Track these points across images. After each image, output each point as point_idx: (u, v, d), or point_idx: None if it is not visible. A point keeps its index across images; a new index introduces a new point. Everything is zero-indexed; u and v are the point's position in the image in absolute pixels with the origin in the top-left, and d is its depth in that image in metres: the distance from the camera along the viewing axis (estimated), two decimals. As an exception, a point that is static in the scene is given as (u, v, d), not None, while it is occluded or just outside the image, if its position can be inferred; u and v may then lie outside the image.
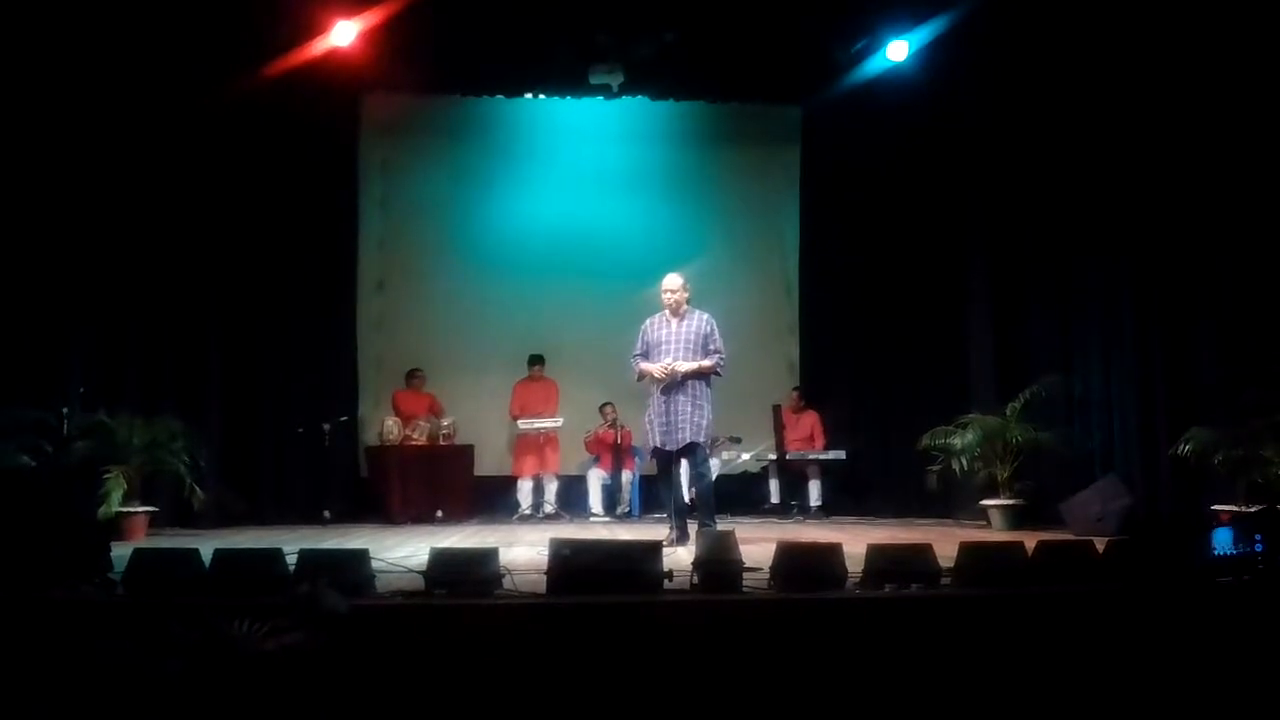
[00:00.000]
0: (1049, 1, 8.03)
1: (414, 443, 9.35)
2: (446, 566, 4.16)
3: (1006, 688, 3.81)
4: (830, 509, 9.64)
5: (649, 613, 3.93)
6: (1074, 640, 3.93)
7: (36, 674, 3.49)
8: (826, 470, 9.76)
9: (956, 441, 8.41)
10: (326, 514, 8.83)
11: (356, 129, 10.24)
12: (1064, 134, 8.51)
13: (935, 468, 8.64)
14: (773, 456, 9.79)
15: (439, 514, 9.10)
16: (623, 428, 9.77)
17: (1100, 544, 4.57)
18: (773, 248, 10.88)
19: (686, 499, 6.63)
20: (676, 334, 6.52)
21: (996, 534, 7.79)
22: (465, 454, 9.59)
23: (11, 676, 3.51)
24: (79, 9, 7.63)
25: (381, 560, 4.68)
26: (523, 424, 9.73)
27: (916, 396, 9.79)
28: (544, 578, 4.17)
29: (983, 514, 8.37)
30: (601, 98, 9.65)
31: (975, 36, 8.58)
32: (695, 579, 4.21)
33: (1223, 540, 4.45)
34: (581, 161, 10.48)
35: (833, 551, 4.35)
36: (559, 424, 9.76)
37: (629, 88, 9.41)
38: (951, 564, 4.39)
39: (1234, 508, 6.54)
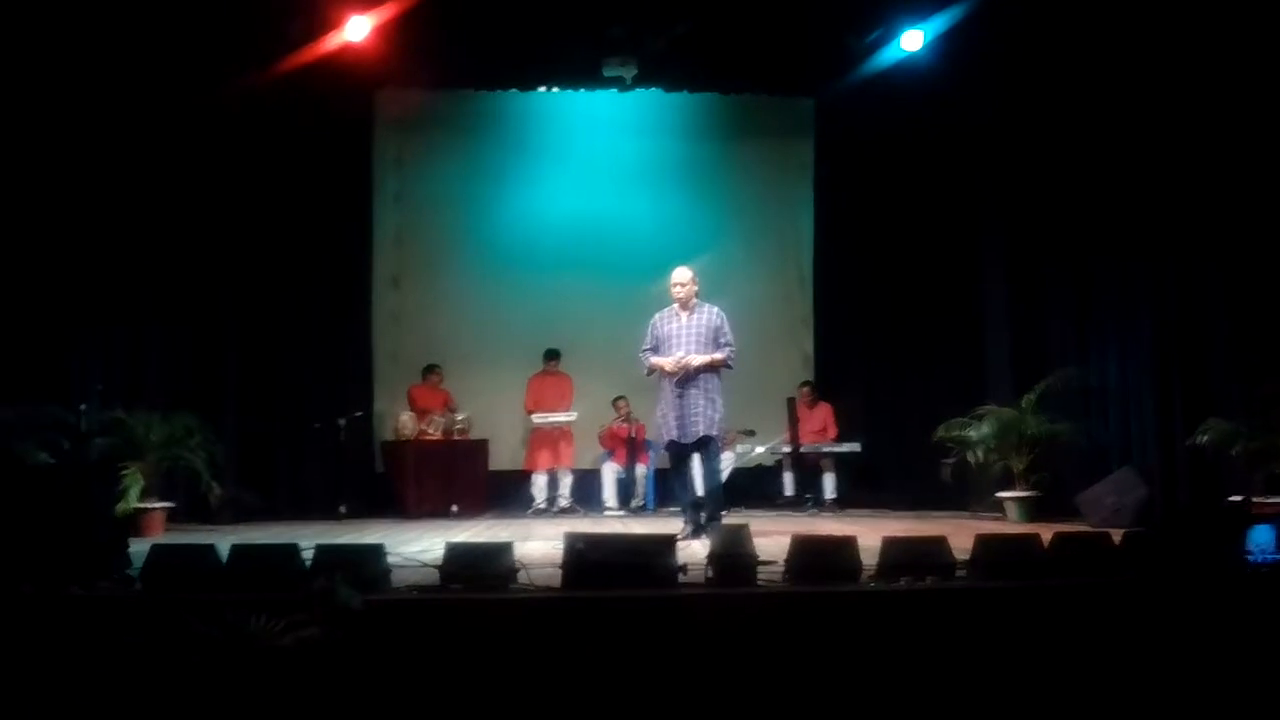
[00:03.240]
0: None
1: (429, 438, 9.37)
2: (461, 561, 4.18)
3: (1023, 680, 3.80)
4: (845, 502, 9.62)
5: (664, 607, 3.93)
6: (1091, 633, 3.91)
7: (55, 671, 3.52)
8: (841, 463, 9.74)
9: (972, 433, 8.39)
10: (342, 509, 8.85)
11: (371, 124, 10.25)
12: (1081, 125, 8.45)
13: (950, 460, 8.62)
14: (787, 449, 9.77)
15: (454, 509, 9.11)
16: (637, 421, 9.76)
17: (1117, 536, 4.55)
18: (787, 240, 10.86)
19: (700, 493, 6.64)
20: (686, 328, 6.52)
21: (1012, 526, 7.76)
22: (480, 449, 9.62)
23: (31, 673, 3.53)
24: (95, 6, 7.65)
25: (397, 555, 4.71)
26: (537, 418, 9.74)
27: (932, 388, 9.75)
28: (559, 572, 4.18)
29: (998, 506, 8.35)
30: (615, 90, 9.64)
31: (990, 26, 8.52)
32: (710, 573, 4.21)
33: (1262, 541, 4.39)
34: (595, 155, 10.47)
35: (848, 544, 4.35)
36: (573, 418, 9.76)
37: (642, 80, 9.39)
38: (967, 556, 4.38)
39: (1271, 500, 6.50)
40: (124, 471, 7.56)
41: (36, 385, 7.45)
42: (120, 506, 7.32)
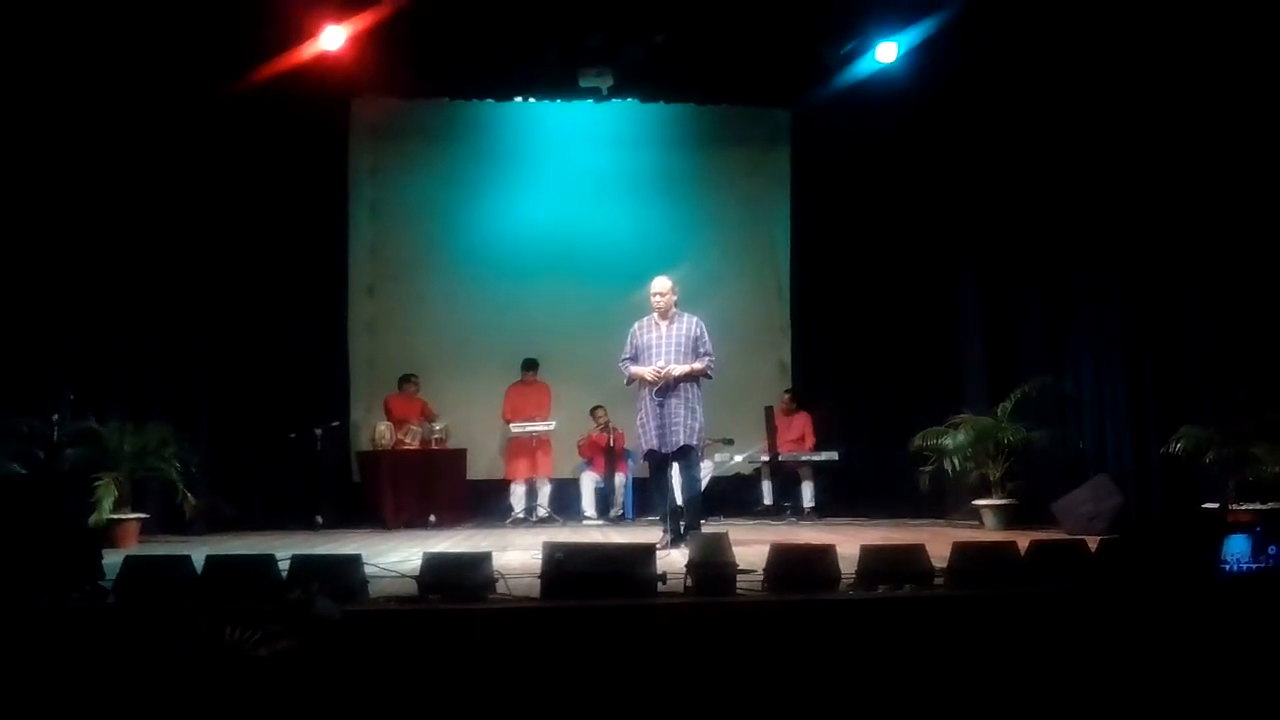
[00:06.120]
0: (1037, 4, 8.05)
1: (406, 447, 9.33)
2: (440, 571, 4.16)
3: (1000, 687, 3.81)
4: (823, 510, 9.65)
5: (643, 616, 3.92)
6: (1068, 640, 3.93)
7: (26, 684, 3.48)
8: (819, 471, 9.77)
9: (948, 442, 8.42)
10: (319, 519, 8.80)
11: (346, 133, 10.23)
12: (1054, 134, 8.53)
13: (927, 468, 8.65)
14: (765, 458, 9.79)
15: (432, 518, 9.08)
16: (615, 430, 9.76)
17: (1093, 543, 4.57)
18: (763, 250, 10.90)
19: (679, 502, 6.64)
20: (666, 337, 6.52)
21: (989, 534, 7.80)
22: (458, 458, 9.58)
23: (2, 687, 3.49)
24: (62, 17, 7.58)
25: (374, 565, 4.68)
26: (515, 428, 9.72)
27: (908, 397, 9.80)
28: (538, 582, 4.17)
29: (975, 514, 8.39)
30: (591, 101, 9.66)
31: (964, 38, 8.60)
32: (689, 581, 4.20)
33: (1238, 549, 4.42)
34: (572, 165, 10.49)
35: (826, 553, 4.35)
36: (551, 427, 9.75)
37: (618, 91, 9.42)
38: (945, 564, 4.39)
39: (1243, 506, 6.55)
40: (97, 482, 7.47)
41: (8, 395, 7.37)
42: (93, 517, 7.25)
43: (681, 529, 6.36)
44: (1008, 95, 8.83)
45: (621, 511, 9.78)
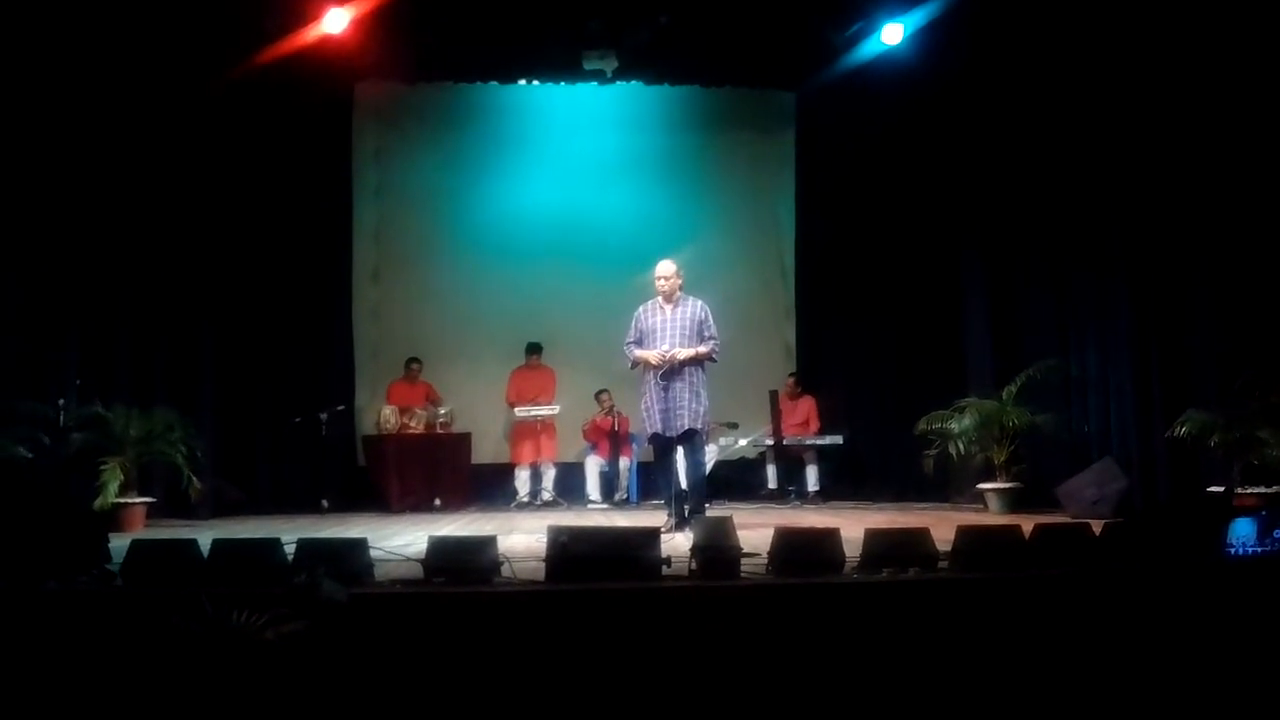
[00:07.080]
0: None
1: (411, 431, 9.34)
2: (445, 555, 4.17)
3: (1005, 670, 3.82)
4: (827, 494, 9.65)
5: (647, 599, 3.94)
6: (1072, 623, 3.94)
7: (34, 667, 3.50)
8: (823, 455, 9.77)
9: (953, 425, 8.41)
10: (324, 503, 8.83)
11: (350, 117, 10.21)
12: (1060, 116, 8.48)
13: (932, 452, 8.64)
14: (770, 442, 9.79)
15: (437, 502, 9.10)
16: (620, 414, 9.75)
17: (1097, 527, 4.57)
18: (768, 233, 10.87)
19: (683, 485, 6.65)
20: (671, 321, 6.52)
21: (994, 517, 7.80)
22: (463, 442, 9.59)
23: (9, 669, 3.51)
24: (61, 4, 7.55)
25: (380, 549, 4.70)
26: (520, 411, 9.73)
27: (913, 380, 9.77)
28: (542, 565, 4.18)
29: (980, 497, 8.38)
30: (595, 84, 9.63)
31: (969, 19, 8.55)
32: (693, 565, 4.21)
33: (1243, 533, 4.41)
34: (576, 148, 10.45)
35: (830, 536, 4.36)
36: (556, 411, 9.75)
37: (623, 73, 9.40)
38: (949, 548, 4.40)
39: (1248, 490, 6.54)
40: (103, 466, 7.49)
41: (15, 380, 7.39)
42: (99, 501, 7.27)
43: (686, 513, 6.37)
44: (1014, 77, 8.78)
45: (626, 495, 9.80)
